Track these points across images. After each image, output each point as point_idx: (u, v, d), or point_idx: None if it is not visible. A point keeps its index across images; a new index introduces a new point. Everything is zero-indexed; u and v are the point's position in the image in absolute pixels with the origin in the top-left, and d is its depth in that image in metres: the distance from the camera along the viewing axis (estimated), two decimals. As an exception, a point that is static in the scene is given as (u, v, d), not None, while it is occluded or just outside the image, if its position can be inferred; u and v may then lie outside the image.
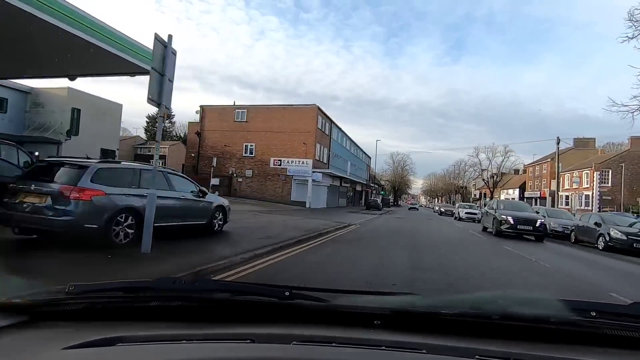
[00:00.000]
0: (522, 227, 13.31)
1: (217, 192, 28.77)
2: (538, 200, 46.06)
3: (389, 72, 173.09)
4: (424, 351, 0.85)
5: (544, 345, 0.92)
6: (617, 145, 56.23)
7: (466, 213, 27.05)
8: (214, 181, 28.46)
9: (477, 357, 0.83)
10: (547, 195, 46.28)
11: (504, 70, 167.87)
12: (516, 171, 62.02)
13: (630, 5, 12.03)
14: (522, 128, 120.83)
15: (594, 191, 37.16)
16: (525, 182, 58.43)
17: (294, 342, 0.87)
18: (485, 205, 28.80)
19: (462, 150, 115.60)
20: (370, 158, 59.38)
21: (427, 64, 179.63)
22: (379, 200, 41.09)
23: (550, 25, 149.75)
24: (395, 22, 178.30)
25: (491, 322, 0.96)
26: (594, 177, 37.50)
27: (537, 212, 14.59)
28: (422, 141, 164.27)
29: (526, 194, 54.26)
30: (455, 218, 28.61)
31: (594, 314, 0.96)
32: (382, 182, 74.25)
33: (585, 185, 39.48)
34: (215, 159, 29.73)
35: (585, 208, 37.08)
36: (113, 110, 29.94)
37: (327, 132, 34.09)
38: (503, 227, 13.55)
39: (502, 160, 50.11)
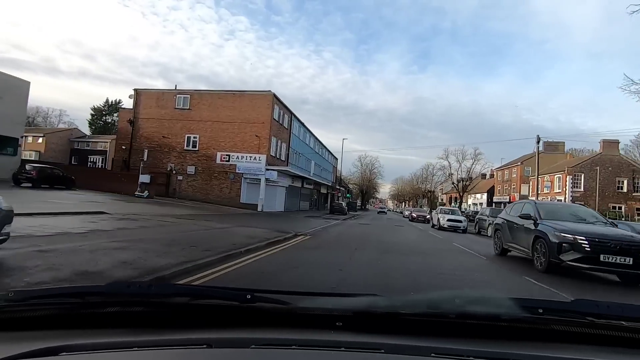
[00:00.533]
0: (609, 258, 6.38)
1: (147, 192, 23.62)
2: (508, 205, 44.40)
3: (359, 78, 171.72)
4: (382, 351, 0.85)
5: (498, 341, 0.95)
6: (580, 151, 56.57)
7: (448, 220, 21.06)
8: (144, 178, 23.29)
9: (433, 354, 0.84)
10: (517, 199, 44.95)
11: (467, 81, 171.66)
12: (483, 175, 60.95)
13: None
14: (483, 137, 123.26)
15: (567, 196, 35.57)
16: (493, 186, 57.30)
17: (253, 346, 0.85)
18: (486, 210, 22.45)
19: (430, 154, 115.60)
20: (337, 159, 55.85)
21: (395, 71, 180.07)
22: (344, 204, 37.38)
23: (508, 41, 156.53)
24: (365, 29, 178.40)
25: (448, 321, 0.97)
26: (566, 181, 35.95)
27: (614, 224, 8.19)
28: (391, 147, 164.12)
29: (495, 199, 52.90)
30: (433, 226, 23.47)
31: (540, 310, 0.98)
32: (350, 186, 71.13)
33: (557, 190, 37.93)
34: (146, 152, 24.61)
35: (558, 213, 35.40)
36: (16, 88, 23.73)
37: (285, 125, 29.83)
38: (567, 258, 6.69)
39: (472, 164, 48.24)
